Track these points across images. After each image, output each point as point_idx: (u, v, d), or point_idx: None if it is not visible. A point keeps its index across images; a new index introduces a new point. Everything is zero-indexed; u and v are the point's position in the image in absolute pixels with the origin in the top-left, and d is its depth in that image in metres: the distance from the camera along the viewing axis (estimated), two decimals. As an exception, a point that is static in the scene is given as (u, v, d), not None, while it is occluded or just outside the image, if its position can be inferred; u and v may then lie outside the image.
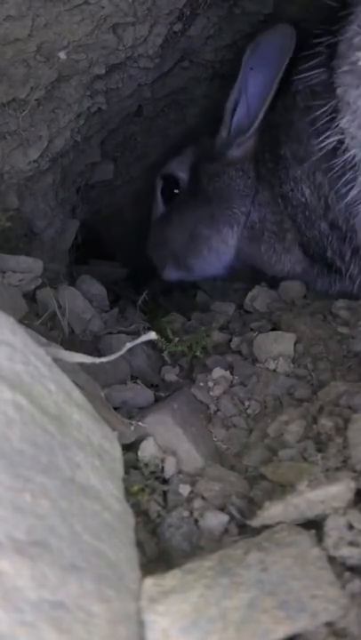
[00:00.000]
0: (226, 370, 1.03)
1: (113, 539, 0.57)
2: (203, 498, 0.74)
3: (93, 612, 0.49)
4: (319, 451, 0.79)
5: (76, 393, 0.67)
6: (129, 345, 0.75)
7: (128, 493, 0.68)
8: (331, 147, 1.08)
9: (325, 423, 0.83)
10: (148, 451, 0.79)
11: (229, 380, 1.01)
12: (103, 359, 0.73)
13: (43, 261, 1.16)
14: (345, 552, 0.62)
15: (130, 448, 0.79)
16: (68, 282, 1.34)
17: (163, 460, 0.79)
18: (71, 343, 1.06)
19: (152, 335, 0.76)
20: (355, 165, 1.06)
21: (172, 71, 1.47)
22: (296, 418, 0.87)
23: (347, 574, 0.60)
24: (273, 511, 0.66)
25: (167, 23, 1.19)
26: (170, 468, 0.79)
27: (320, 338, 1.12)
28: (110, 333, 1.13)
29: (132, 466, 0.77)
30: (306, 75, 1.15)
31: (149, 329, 1.24)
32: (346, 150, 1.05)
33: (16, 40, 1.01)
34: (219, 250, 1.67)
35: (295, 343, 1.08)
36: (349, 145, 1.03)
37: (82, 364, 0.76)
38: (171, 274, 1.85)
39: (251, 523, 0.67)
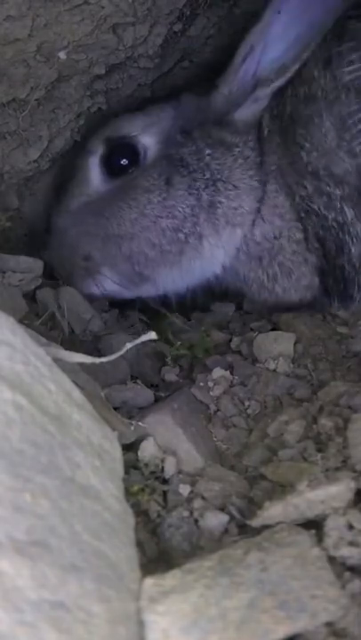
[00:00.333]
0: (226, 370, 1.03)
1: (113, 539, 0.57)
2: (203, 498, 0.74)
3: (93, 612, 0.49)
4: (319, 451, 0.79)
5: (76, 393, 0.67)
6: (129, 345, 0.75)
7: (128, 493, 0.68)
8: None
9: (325, 423, 0.84)
10: (148, 451, 0.79)
11: (229, 380, 1.01)
12: (103, 359, 0.73)
13: (42, 261, 1.16)
14: (345, 552, 0.62)
15: (130, 448, 0.79)
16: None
17: (163, 460, 0.80)
18: (71, 343, 1.06)
19: (152, 335, 0.76)
20: None
21: (172, 71, 1.47)
22: (296, 418, 0.87)
23: (347, 574, 0.60)
24: (273, 511, 0.66)
25: (167, 23, 1.19)
26: (170, 468, 0.79)
27: (319, 338, 1.12)
28: (110, 333, 1.13)
29: (132, 466, 0.77)
30: None
31: (149, 327, 1.25)
32: None
33: (16, 40, 1.01)
34: (206, 256, 1.26)
35: (295, 343, 1.08)
36: None
37: (82, 364, 0.76)
38: (104, 286, 1.29)
39: (251, 523, 0.67)
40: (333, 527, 0.64)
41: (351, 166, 1.12)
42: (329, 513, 0.66)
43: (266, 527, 0.66)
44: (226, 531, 0.70)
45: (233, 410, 0.94)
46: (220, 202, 1.23)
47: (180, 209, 1.22)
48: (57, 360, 0.68)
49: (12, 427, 0.55)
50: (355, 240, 1.16)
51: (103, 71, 1.20)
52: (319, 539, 0.64)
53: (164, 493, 0.76)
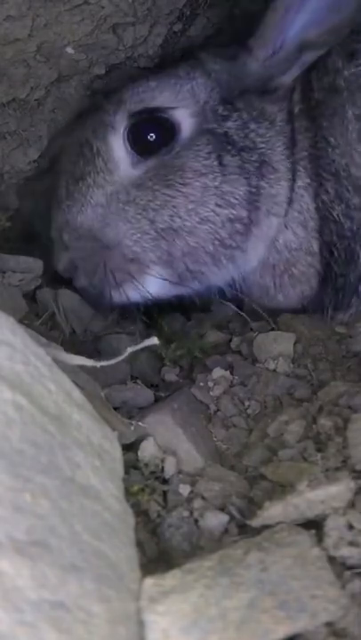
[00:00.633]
0: (226, 370, 1.03)
1: (113, 539, 0.57)
2: (203, 498, 0.74)
3: (93, 612, 0.49)
4: (319, 451, 0.79)
5: (76, 393, 0.67)
6: (130, 349, 0.75)
7: (128, 493, 0.68)
8: None
9: (325, 423, 0.84)
10: (148, 451, 0.79)
11: (229, 380, 1.01)
12: (104, 363, 0.73)
13: (42, 261, 1.16)
14: (345, 552, 0.62)
15: (130, 448, 0.79)
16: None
17: (163, 460, 0.80)
18: (71, 343, 1.06)
19: (154, 340, 0.76)
20: None
21: (172, 71, 1.47)
22: (296, 418, 0.87)
23: (347, 574, 0.60)
24: (273, 511, 0.66)
25: (167, 23, 1.19)
26: (170, 468, 0.79)
27: (319, 338, 1.12)
28: (110, 334, 1.13)
29: (132, 466, 0.77)
30: None
31: (149, 327, 1.25)
32: None
33: (16, 40, 1.01)
34: (249, 249, 1.15)
35: (295, 343, 1.08)
36: None
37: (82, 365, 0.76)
38: (150, 289, 1.12)
39: (251, 523, 0.67)
40: (333, 527, 0.64)
41: None
42: (329, 513, 0.66)
43: (266, 527, 0.66)
44: (226, 531, 0.70)
45: (233, 410, 0.94)
46: (262, 187, 1.11)
47: (238, 196, 1.08)
48: (57, 360, 0.68)
49: (12, 427, 0.55)
50: None
51: (103, 71, 1.20)
52: (319, 539, 0.64)
53: (164, 493, 0.76)
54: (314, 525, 0.66)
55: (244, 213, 1.10)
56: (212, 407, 0.95)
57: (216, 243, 1.10)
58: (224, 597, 0.55)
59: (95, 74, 1.20)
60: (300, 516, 0.66)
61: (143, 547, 0.66)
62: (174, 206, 1.07)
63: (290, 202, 1.14)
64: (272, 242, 1.16)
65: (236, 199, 1.09)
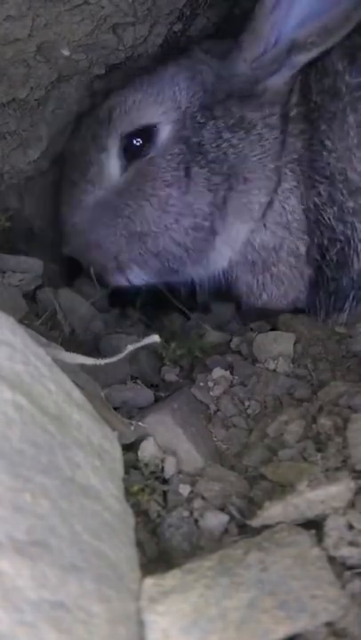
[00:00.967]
0: (226, 370, 1.03)
1: (113, 539, 0.57)
2: (203, 498, 0.74)
3: (93, 612, 0.49)
4: (319, 451, 0.79)
5: (76, 393, 0.67)
6: (130, 347, 0.75)
7: (128, 493, 0.68)
8: None
9: (325, 423, 0.84)
10: (148, 451, 0.79)
11: (229, 380, 1.01)
12: (103, 361, 0.73)
13: (43, 261, 1.16)
14: (345, 552, 0.62)
15: (130, 448, 0.79)
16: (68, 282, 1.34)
17: (163, 460, 0.80)
18: (71, 343, 1.06)
19: (155, 338, 0.75)
20: None
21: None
22: (296, 418, 0.87)
23: (347, 574, 0.60)
24: (273, 511, 0.66)
25: (167, 23, 1.19)
26: (170, 468, 0.79)
27: (319, 338, 1.12)
28: (111, 334, 1.13)
29: (132, 466, 0.77)
30: None
31: (149, 327, 1.25)
32: None
33: (16, 40, 1.01)
34: (217, 250, 1.21)
35: (294, 343, 1.08)
36: None
37: (82, 364, 0.76)
38: (134, 280, 1.25)
39: (251, 523, 0.67)
40: (333, 527, 0.64)
41: None
42: (329, 513, 0.66)
43: (266, 527, 0.66)
44: (226, 531, 0.70)
45: (233, 410, 0.94)
46: (230, 198, 1.14)
47: (201, 207, 1.13)
48: (57, 360, 0.68)
49: (12, 427, 0.55)
50: (360, 256, 1.11)
51: (103, 71, 1.20)
52: (319, 539, 0.64)
53: (164, 493, 0.76)
54: (314, 525, 0.66)
55: (206, 223, 1.15)
56: (212, 407, 0.95)
57: (180, 247, 1.18)
58: (224, 597, 0.55)
59: (95, 74, 1.20)
60: (300, 515, 0.66)
61: (143, 547, 0.66)
62: (143, 214, 1.15)
63: (269, 204, 1.16)
64: (247, 242, 1.19)
65: (199, 210, 1.14)
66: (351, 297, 1.14)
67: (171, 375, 1.08)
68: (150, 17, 1.13)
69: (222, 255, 1.21)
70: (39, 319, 1.03)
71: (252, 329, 1.21)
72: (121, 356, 0.75)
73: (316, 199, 1.13)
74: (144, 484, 0.75)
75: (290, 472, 0.76)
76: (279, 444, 0.84)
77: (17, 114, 1.14)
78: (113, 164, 1.19)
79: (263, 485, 0.77)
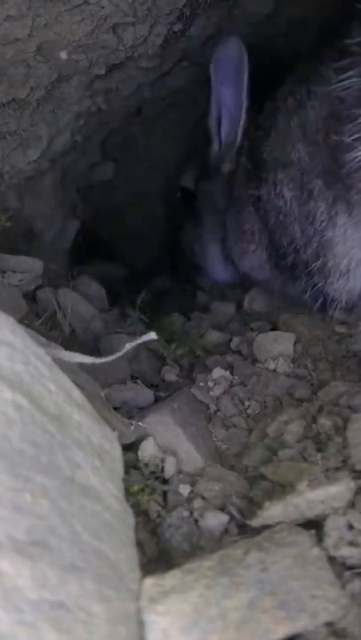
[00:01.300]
0: (226, 370, 1.03)
1: (113, 539, 0.57)
2: (203, 498, 0.74)
3: (93, 612, 0.49)
4: (319, 451, 0.79)
5: (76, 393, 0.67)
6: (128, 345, 0.75)
7: (128, 493, 0.68)
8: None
9: (325, 423, 0.83)
10: (148, 451, 0.79)
11: (229, 380, 1.01)
12: (103, 359, 0.73)
13: (43, 261, 1.16)
14: (345, 552, 0.62)
15: (130, 448, 0.79)
16: (68, 282, 1.34)
17: (163, 460, 0.80)
18: (71, 343, 1.06)
19: (152, 335, 0.76)
20: None
21: (172, 71, 1.47)
22: (296, 418, 0.87)
23: (347, 574, 0.60)
24: (273, 511, 0.66)
25: (167, 23, 1.19)
26: (170, 468, 0.79)
27: (319, 338, 1.12)
28: (110, 334, 1.13)
29: (132, 466, 0.77)
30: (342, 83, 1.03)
31: (149, 327, 1.25)
32: None
33: (16, 40, 1.01)
34: (209, 267, 1.75)
35: (295, 343, 1.08)
36: None
37: (82, 364, 0.76)
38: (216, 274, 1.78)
39: (251, 523, 0.67)
40: (333, 527, 0.64)
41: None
42: (329, 513, 0.66)
43: (266, 527, 0.66)
44: (226, 531, 0.70)
45: (233, 410, 0.94)
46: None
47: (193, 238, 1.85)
48: (57, 360, 0.68)
49: (12, 427, 0.55)
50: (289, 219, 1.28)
51: (103, 71, 1.20)
52: (319, 539, 0.64)
53: (164, 493, 0.76)
54: (314, 525, 0.66)
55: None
56: (212, 407, 0.95)
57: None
58: (224, 597, 0.55)
59: (95, 74, 1.20)
60: (300, 516, 0.66)
61: (143, 547, 0.66)
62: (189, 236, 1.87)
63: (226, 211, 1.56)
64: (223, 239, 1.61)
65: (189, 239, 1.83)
66: (302, 263, 1.28)
67: (171, 375, 1.08)
68: (150, 17, 1.13)
69: (217, 264, 1.78)
70: (39, 319, 1.03)
71: (252, 329, 1.21)
72: (120, 354, 0.75)
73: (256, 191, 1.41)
74: (144, 484, 0.75)
75: (290, 472, 0.76)
76: (279, 444, 0.84)
77: (17, 114, 1.15)
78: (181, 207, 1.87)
79: (263, 485, 0.77)
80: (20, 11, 0.96)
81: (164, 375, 1.08)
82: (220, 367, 1.03)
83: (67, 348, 0.76)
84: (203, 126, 1.60)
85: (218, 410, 0.95)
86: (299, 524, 0.66)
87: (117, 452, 0.68)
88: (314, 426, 0.85)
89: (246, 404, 0.96)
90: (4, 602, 0.45)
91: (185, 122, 1.91)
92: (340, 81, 0.99)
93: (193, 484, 0.77)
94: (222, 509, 0.72)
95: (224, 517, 0.70)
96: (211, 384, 1.00)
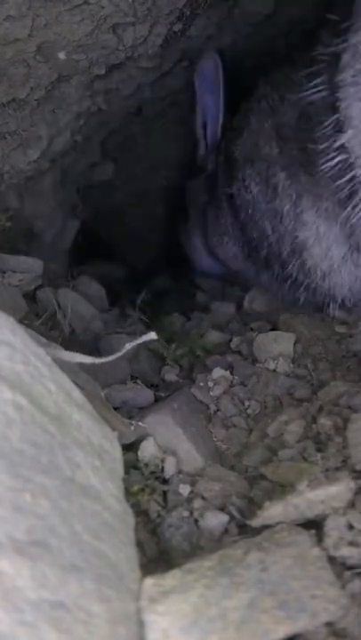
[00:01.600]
0: (226, 370, 1.03)
1: (113, 539, 0.57)
2: (203, 498, 0.74)
3: (93, 612, 0.49)
4: (319, 451, 0.79)
5: (76, 393, 0.67)
6: (128, 345, 0.75)
7: (128, 493, 0.68)
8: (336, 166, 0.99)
9: (325, 423, 0.83)
10: (148, 451, 0.79)
11: (229, 379, 1.01)
12: (103, 359, 0.73)
13: (43, 261, 1.16)
14: (345, 552, 0.62)
15: (130, 448, 0.79)
16: (68, 282, 1.34)
17: (163, 460, 0.79)
18: (71, 343, 1.06)
19: (152, 335, 0.76)
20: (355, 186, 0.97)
21: (172, 71, 1.47)
22: (296, 418, 0.87)
23: (347, 574, 0.60)
24: (273, 511, 0.66)
25: (167, 23, 1.19)
26: (170, 468, 0.79)
27: (319, 338, 1.12)
28: (110, 334, 1.13)
29: (132, 466, 0.77)
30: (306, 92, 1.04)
31: (149, 327, 1.25)
32: (349, 169, 0.94)
33: (16, 40, 1.01)
34: (196, 259, 1.86)
35: (295, 343, 1.08)
36: (354, 164, 0.92)
37: (82, 364, 0.76)
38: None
39: (251, 523, 0.67)
40: (333, 527, 0.64)
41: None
42: (329, 513, 0.66)
43: (266, 527, 0.65)
44: (226, 531, 0.70)
45: (233, 410, 0.94)
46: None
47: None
48: (57, 360, 0.68)
49: (12, 427, 0.55)
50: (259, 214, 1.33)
51: (103, 71, 1.20)
52: (319, 539, 0.63)
53: (164, 493, 0.76)
54: (314, 525, 0.66)
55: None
56: (212, 407, 0.95)
57: None
58: (224, 597, 0.55)
59: (95, 74, 1.20)
60: (300, 516, 0.66)
61: (143, 547, 0.66)
62: None
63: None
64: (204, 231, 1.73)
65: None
66: (274, 256, 1.33)
67: (171, 375, 1.08)
68: (150, 17, 1.13)
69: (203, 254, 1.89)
70: (39, 319, 1.03)
71: (252, 329, 1.22)
72: (119, 354, 0.75)
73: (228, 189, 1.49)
74: (144, 484, 0.75)
75: (290, 472, 0.76)
76: (279, 444, 0.83)
77: (17, 114, 1.15)
78: None
79: (263, 485, 0.77)
80: (20, 11, 0.96)
81: (164, 375, 1.08)
82: (220, 367, 1.03)
83: (67, 348, 0.76)
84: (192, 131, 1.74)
85: (218, 410, 0.95)
86: (299, 524, 0.66)
87: (117, 452, 0.68)
88: (314, 426, 0.85)
89: (246, 403, 0.96)
90: (4, 602, 0.45)
91: (185, 122, 1.91)
92: (309, 88, 1.00)
93: (193, 484, 0.77)
94: (222, 509, 0.72)
95: (224, 517, 0.70)
96: (211, 384, 1.00)
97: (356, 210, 0.97)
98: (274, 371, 1.02)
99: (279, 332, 1.10)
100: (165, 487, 0.76)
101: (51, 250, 1.47)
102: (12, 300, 1.03)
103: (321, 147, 0.97)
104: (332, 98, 0.93)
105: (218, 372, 1.02)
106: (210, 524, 0.70)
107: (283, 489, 0.74)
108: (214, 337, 1.22)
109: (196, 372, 1.07)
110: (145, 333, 0.76)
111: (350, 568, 0.61)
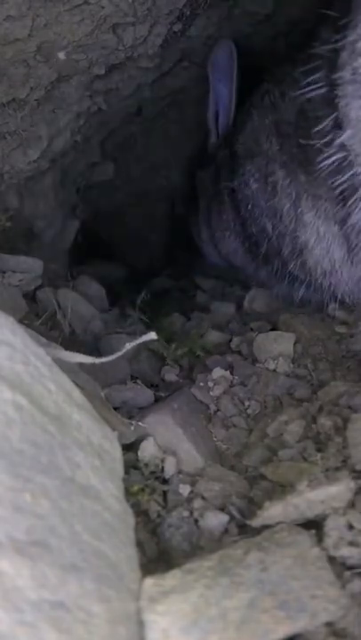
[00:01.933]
0: (226, 370, 1.03)
1: (113, 539, 0.57)
2: (203, 498, 0.74)
3: (93, 612, 0.49)
4: (319, 450, 0.79)
5: (76, 393, 0.67)
6: (128, 345, 0.75)
7: (128, 493, 0.68)
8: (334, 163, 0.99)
9: (325, 423, 0.83)
10: (148, 451, 0.79)
11: (229, 379, 1.01)
12: (103, 359, 0.73)
13: (43, 261, 1.16)
14: (345, 552, 0.62)
15: (130, 448, 0.79)
16: (68, 282, 1.34)
17: (163, 460, 0.79)
18: (71, 343, 1.06)
19: (152, 335, 0.75)
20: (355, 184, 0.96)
21: (172, 71, 1.47)
22: (296, 418, 0.87)
23: (347, 574, 0.60)
24: (273, 511, 0.66)
25: (167, 23, 1.19)
26: (170, 468, 0.79)
27: (319, 338, 1.12)
28: (110, 334, 1.13)
29: (132, 466, 0.77)
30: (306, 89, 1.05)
31: (149, 327, 1.25)
32: (348, 167, 0.94)
33: (16, 40, 1.01)
34: (204, 249, 1.87)
35: (295, 343, 1.08)
36: (354, 162, 0.92)
37: (82, 364, 0.76)
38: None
39: (251, 523, 0.67)
40: (333, 527, 0.64)
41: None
42: (329, 513, 0.66)
43: (266, 527, 0.65)
44: (226, 531, 0.70)
45: (233, 410, 0.94)
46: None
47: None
48: (57, 360, 0.68)
49: (12, 427, 0.55)
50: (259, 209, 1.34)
51: (103, 71, 1.20)
52: (319, 539, 0.63)
53: (164, 493, 0.76)
54: (314, 525, 0.66)
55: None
56: (212, 407, 0.95)
57: None
58: (224, 597, 0.55)
59: (95, 74, 1.20)
60: (300, 516, 0.66)
61: (143, 547, 0.66)
62: None
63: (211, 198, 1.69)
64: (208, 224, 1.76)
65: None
66: (274, 252, 1.35)
67: (171, 375, 1.08)
68: (150, 17, 1.13)
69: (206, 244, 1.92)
70: (39, 319, 1.03)
71: (252, 329, 1.22)
72: (119, 354, 0.75)
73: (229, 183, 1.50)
74: (144, 484, 0.75)
75: (290, 472, 0.76)
76: (279, 444, 0.83)
77: (17, 114, 1.15)
78: None
79: (263, 485, 0.77)
80: (20, 11, 0.96)
81: (164, 375, 1.08)
82: (220, 367, 1.03)
83: (67, 348, 0.76)
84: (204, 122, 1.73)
85: (218, 410, 0.95)
86: (299, 524, 0.66)
87: (117, 452, 0.68)
88: (314, 426, 0.85)
89: (246, 403, 0.96)
90: (4, 602, 0.45)
91: (185, 122, 1.91)
92: (308, 84, 1.00)
93: (193, 484, 0.77)
94: (222, 509, 0.72)
95: (224, 517, 0.70)
96: (211, 384, 1.00)
97: (354, 208, 0.97)
98: (274, 371, 1.02)
99: (279, 332, 1.10)
100: (165, 487, 0.76)
101: (51, 250, 1.47)
102: (12, 300, 1.03)
103: (319, 143, 0.97)
104: (330, 95, 0.93)
105: (218, 372, 1.02)
106: (210, 524, 0.70)
107: (283, 489, 0.74)
108: (214, 337, 1.22)
109: (196, 371, 1.07)
110: (145, 333, 0.76)
111: (350, 568, 0.61)
